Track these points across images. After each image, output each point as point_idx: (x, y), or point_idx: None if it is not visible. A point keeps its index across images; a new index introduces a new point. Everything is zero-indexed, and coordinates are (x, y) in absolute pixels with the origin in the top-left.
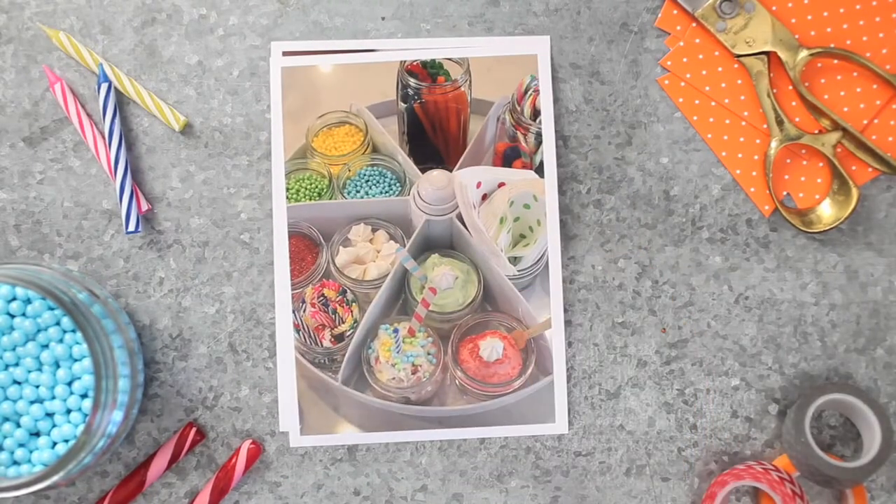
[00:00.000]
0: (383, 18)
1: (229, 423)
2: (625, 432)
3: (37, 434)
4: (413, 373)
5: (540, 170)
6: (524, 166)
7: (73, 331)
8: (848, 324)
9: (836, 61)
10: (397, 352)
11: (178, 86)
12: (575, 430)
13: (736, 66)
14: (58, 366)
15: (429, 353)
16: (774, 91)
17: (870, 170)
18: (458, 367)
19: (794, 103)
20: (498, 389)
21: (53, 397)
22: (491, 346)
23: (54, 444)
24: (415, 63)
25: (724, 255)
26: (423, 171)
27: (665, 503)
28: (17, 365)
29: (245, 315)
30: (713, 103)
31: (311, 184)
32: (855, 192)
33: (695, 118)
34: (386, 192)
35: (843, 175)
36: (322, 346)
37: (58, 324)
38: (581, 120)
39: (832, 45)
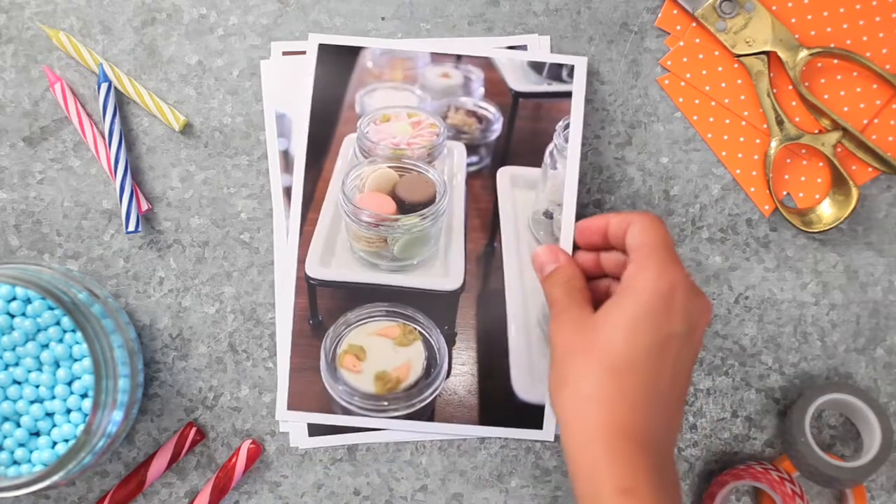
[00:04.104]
0: (383, 18)
1: (229, 423)
2: None
3: (37, 434)
4: None
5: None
6: None
7: (73, 331)
8: (848, 324)
9: (836, 61)
10: None
11: (178, 86)
12: None
13: (736, 65)
14: (58, 366)
15: None
16: (774, 91)
17: (870, 170)
18: None
19: (794, 103)
20: None
21: (53, 397)
22: None
23: (54, 444)
24: None
25: (724, 254)
26: None
27: None
28: (17, 365)
29: (245, 315)
30: (713, 103)
31: None
32: (855, 192)
33: (695, 118)
34: None
35: (843, 175)
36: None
37: (58, 324)
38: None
39: (832, 45)
